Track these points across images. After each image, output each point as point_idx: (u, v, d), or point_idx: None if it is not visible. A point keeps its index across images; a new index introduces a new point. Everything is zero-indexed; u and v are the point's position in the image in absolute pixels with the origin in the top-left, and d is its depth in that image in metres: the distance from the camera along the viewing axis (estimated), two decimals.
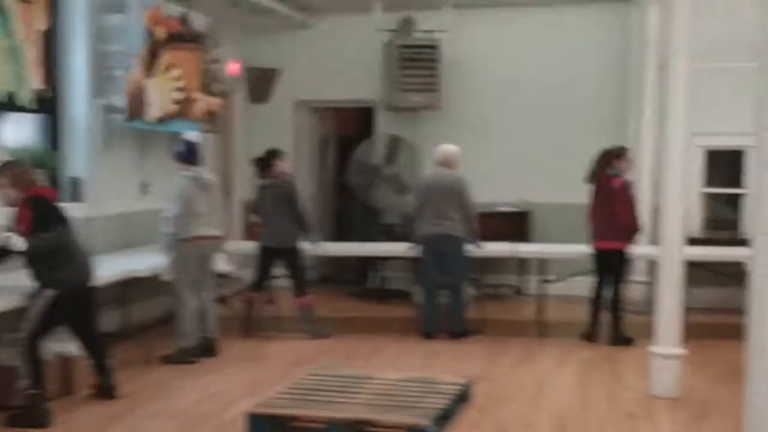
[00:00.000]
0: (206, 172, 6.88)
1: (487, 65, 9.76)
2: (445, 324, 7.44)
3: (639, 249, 7.46)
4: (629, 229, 7.15)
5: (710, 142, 8.67)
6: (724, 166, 8.96)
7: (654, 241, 8.27)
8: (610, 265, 7.24)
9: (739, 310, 8.02)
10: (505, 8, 9.58)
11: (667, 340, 5.56)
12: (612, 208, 7.12)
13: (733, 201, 8.98)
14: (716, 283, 7.94)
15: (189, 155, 6.67)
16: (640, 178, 8.43)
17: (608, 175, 7.20)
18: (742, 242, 8.17)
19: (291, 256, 7.45)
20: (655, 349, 5.59)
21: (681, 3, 5.50)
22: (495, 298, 9.07)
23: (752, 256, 2.48)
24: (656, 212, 8.49)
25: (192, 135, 6.84)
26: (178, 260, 6.50)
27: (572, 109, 9.53)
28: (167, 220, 6.47)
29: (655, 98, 8.79)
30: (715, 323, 7.85)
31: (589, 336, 7.32)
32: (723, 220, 9.01)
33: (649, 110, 8.83)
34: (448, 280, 7.44)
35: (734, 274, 7.66)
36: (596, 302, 7.33)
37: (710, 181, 8.98)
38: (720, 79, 8.22)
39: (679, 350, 5.56)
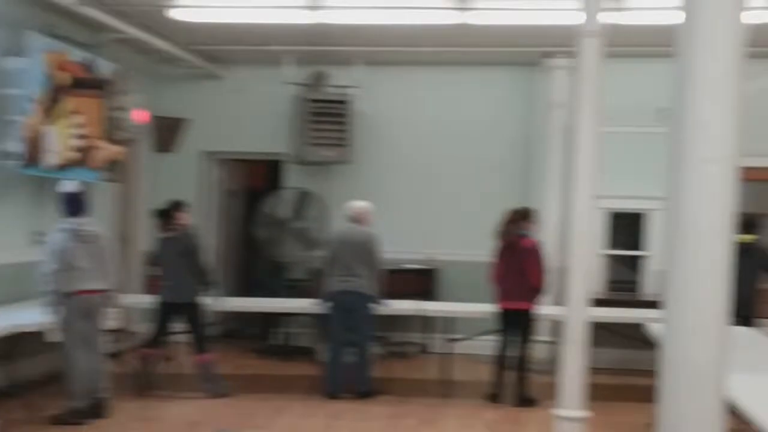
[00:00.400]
0: (90, 223, 6.46)
1: (397, 122, 9.80)
2: (351, 383, 7.29)
3: (544, 309, 7.49)
4: (537, 290, 7.19)
5: (612, 204, 8.84)
6: (624, 228, 9.13)
7: (558, 301, 8.36)
8: (517, 325, 7.24)
9: (639, 371, 8.22)
10: (415, 67, 9.65)
11: (572, 402, 5.53)
12: (521, 268, 7.15)
13: (633, 263, 9.14)
14: (616, 344, 8.03)
15: (67, 206, 6.35)
16: (545, 238, 8.49)
17: (518, 236, 7.24)
18: (642, 304, 8.31)
19: (191, 312, 7.20)
20: (559, 411, 5.55)
21: (588, 67, 5.61)
22: (400, 356, 8.97)
23: (664, 319, 2.45)
24: (560, 272, 8.64)
25: (71, 185, 6.46)
26: (64, 317, 6.18)
27: (480, 168, 9.62)
28: (45, 276, 6.15)
29: (559, 160, 8.94)
30: (617, 384, 7.92)
31: (494, 396, 7.27)
32: (624, 281, 9.16)
33: (554, 172, 8.97)
34: (355, 338, 7.31)
35: (634, 336, 7.79)
36: (501, 362, 7.32)
37: (612, 242, 9.14)
38: (622, 143, 8.40)
39: (583, 412, 5.54)
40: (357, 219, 7.57)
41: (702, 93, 2.50)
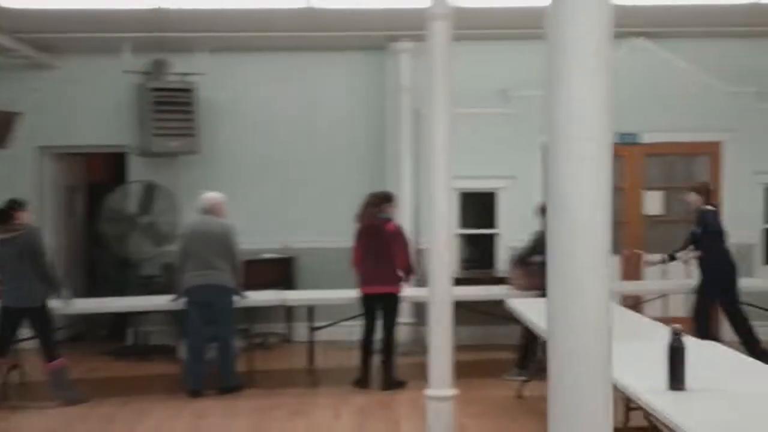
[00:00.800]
0: None
1: (246, 109, 9.58)
2: (214, 379, 7.11)
3: (406, 291, 7.55)
4: (407, 272, 7.24)
5: (461, 184, 9.00)
6: (472, 207, 9.33)
7: (419, 283, 8.47)
8: (381, 309, 7.27)
9: (498, 346, 8.47)
10: (261, 52, 9.47)
11: (440, 381, 5.60)
12: (386, 252, 7.16)
13: (484, 241, 9.36)
14: (475, 321, 8.21)
15: None
16: (402, 221, 8.56)
17: (380, 219, 7.25)
18: (496, 280, 8.54)
19: (37, 316, 6.80)
20: (430, 392, 5.61)
21: (439, 51, 5.65)
22: (263, 347, 8.84)
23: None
24: (418, 254, 8.74)
25: None
26: None
27: (333, 154, 9.57)
28: None
29: (411, 143, 9.04)
30: (478, 360, 8.11)
31: (362, 382, 7.28)
32: (476, 260, 9.38)
33: (406, 155, 9.05)
34: (216, 333, 7.13)
35: (491, 312, 8.00)
36: (367, 347, 7.32)
37: (462, 222, 9.32)
38: (467, 124, 8.56)
39: (452, 391, 5.63)
40: (211, 210, 7.37)
41: (575, 71, 2.52)
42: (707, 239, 7.62)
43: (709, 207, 7.67)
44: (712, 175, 9.15)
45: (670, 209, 9.20)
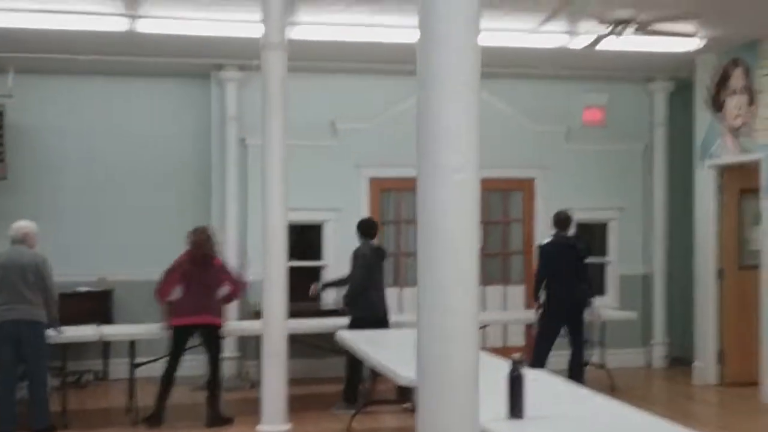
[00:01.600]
0: None
1: (61, 135, 9.08)
2: (25, 420, 6.60)
3: (233, 324, 7.38)
4: (232, 300, 7.08)
5: (290, 216, 8.95)
6: (297, 239, 9.28)
7: (244, 316, 8.32)
8: (203, 343, 7.03)
9: (326, 379, 8.43)
10: (80, 76, 9.03)
11: (275, 416, 5.51)
12: (213, 284, 6.98)
13: (310, 273, 9.32)
14: (302, 354, 8.12)
15: None
16: (227, 253, 8.39)
17: (206, 253, 7.05)
18: (323, 313, 8.52)
19: None
20: (262, 427, 5.50)
21: (274, 81, 5.62)
22: (78, 386, 8.35)
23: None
24: (243, 288, 8.58)
25: None
26: None
27: (154, 183, 9.22)
28: None
29: (236, 173, 8.89)
30: (307, 394, 8.04)
31: (155, 419, 6.89)
32: (303, 292, 9.30)
33: (232, 186, 8.89)
34: (27, 370, 6.64)
35: (318, 344, 7.98)
36: (168, 381, 6.99)
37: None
38: (295, 155, 8.52)
39: (286, 426, 5.55)
40: (22, 240, 6.88)
41: (446, 104, 2.59)
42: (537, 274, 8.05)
43: (545, 240, 8.08)
44: (525, 209, 9.62)
45: (486, 243, 9.54)
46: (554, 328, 7.91)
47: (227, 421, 6.98)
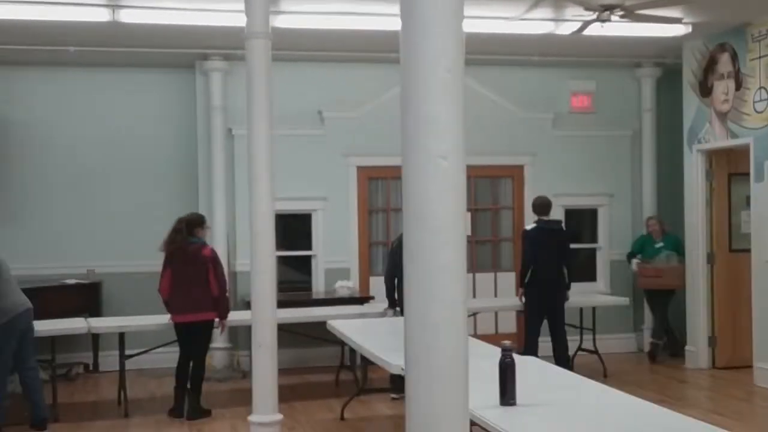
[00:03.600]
0: None
1: (46, 128, 9.00)
2: (18, 413, 6.54)
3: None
4: (221, 299, 6.97)
5: (278, 206, 8.90)
6: (286, 228, 9.24)
7: (235, 306, 8.28)
8: (196, 337, 6.98)
9: (317, 369, 8.43)
10: (63, 68, 8.95)
11: (266, 406, 5.48)
12: (201, 279, 6.86)
13: (299, 263, 9.29)
14: (292, 344, 8.10)
15: None
16: (216, 244, 8.34)
17: (194, 244, 6.96)
18: (314, 302, 8.51)
19: None
20: (254, 417, 5.46)
21: (258, 70, 5.56)
22: (67, 379, 8.31)
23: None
24: (233, 278, 8.56)
25: None
26: None
27: (141, 175, 9.16)
28: None
29: (223, 163, 8.84)
30: (297, 383, 8.04)
31: (177, 411, 6.96)
32: (293, 282, 9.29)
33: (219, 176, 8.84)
34: (19, 364, 6.57)
35: (308, 334, 7.95)
36: (182, 376, 7.01)
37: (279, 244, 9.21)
38: (282, 145, 8.47)
39: (277, 416, 5.52)
40: None
41: (430, 92, 2.55)
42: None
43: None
44: (515, 196, 9.61)
45: (475, 230, 9.54)
46: (539, 313, 7.93)
47: (206, 413, 6.95)
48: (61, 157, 9.04)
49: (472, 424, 3.83)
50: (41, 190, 8.96)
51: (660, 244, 9.28)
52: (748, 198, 8.23)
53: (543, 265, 7.84)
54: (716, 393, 7.81)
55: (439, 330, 2.51)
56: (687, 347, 8.92)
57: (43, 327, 6.90)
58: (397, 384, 6.95)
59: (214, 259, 6.97)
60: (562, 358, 7.76)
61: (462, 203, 2.57)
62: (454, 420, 2.53)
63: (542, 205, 8.04)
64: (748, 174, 8.08)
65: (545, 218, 8.02)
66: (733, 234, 8.72)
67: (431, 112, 2.52)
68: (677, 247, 9.21)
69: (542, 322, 7.97)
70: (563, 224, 8.28)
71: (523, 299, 8.01)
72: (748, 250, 8.14)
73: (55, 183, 9.01)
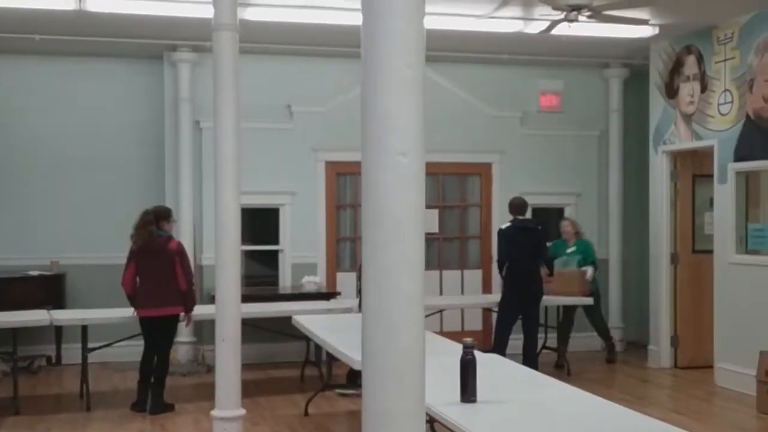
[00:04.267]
0: None
1: (9, 116, 8.88)
2: None
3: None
4: (186, 297, 6.91)
5: (245, 200, 8.85)
6: (252, 223, 9.18)
7: (200, 300, 8.22)
8: (161, 332, 6.92)
9: (280, 364, 8.40)
10: (27, 56, 8.83)
11: (229, 401, 5.45)
12: (167, 272, 6.80)
13: (271, 257, 9.26)
14: (257, 339, 8.06)
15: None
16: (182, 237, 8.27)
17: (160, 237, 6.90)
18: (280, 297, 8.48)
19: None
20: (216, 412, 5.44)
21: (226, 62, 5.52)
22: (29, 371, 8.22)
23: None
24: (199, 271, 8.51)
25: None
26: None
27: (107, 165, 9.05)
28: None
29: (190, 156, 8.78)
30: (261, 378, 8.01)
31: (140, 405, 6.91)
32: (259, 276, 9.26)
33: (186, 168, 8.78)
34: None
35: (273, 329, 7.92)
36: (146, 370, 6.95)
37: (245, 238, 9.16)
38: (249, 139, 8.42)
39: (240, 411, 5.49)
40: None
41: (390, 87, 2.55)
42: None
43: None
44: (483, 194, 9.64)
45: (443, 228, 9.56)
46: (513, 311, 7.96)
47: (169, 407, 6.91)
48: (25, 147, 8.92)
49: (433, 420, 3.85)
50: (4, 179, 8.84)
51: (572, 249, 8.94)
52: (711, 199, 8.32)
53: (518, 263, 7.87)
54: (677, 392, 7.90)
55: (396, 326, 2.51)
56: (650, 347, 9.01)
57: (5, 319, 6.83)
58: (355, 379, 7.02)
59: (181, 252, 6.91)
60: (530, 357, 7.79)
61: (420, 200, 2.57)
62: (409, 416, 2.53)
63: (519, 206, 8.10)
64: (712, 176, 8.17)
65: (521, 218, 8.06)
66: (696, 235, 8.81)
67: (390, 107, 2.52)
68: (586, 253, 8.89)
69: (515, 320, 7.99)
70: (539, 225, 8.28)
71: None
72: (711, 251, 8.23)
73: (19, 173, 8.90)
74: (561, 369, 8.48)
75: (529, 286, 7.92)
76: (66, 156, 8.99)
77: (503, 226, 8.12)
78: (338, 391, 7.29)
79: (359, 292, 7.51)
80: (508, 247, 7.91)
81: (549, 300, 8.38)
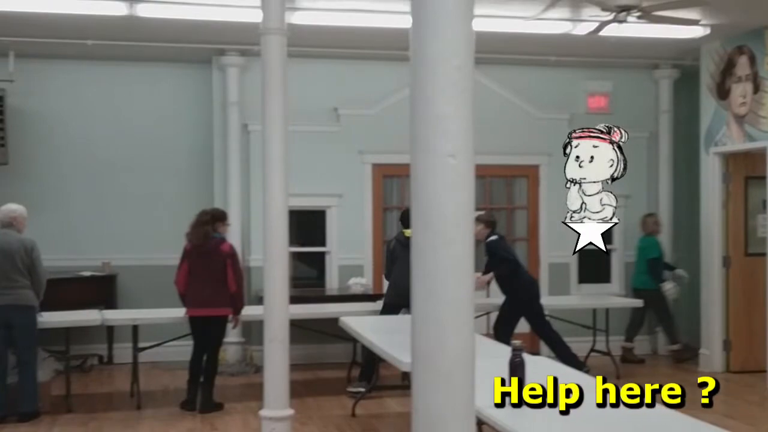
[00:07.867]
0: None
1: (63, 120, 9.06)
2: (16, 404, 6.59)
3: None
4: (236, 299, 6.98)
5: (293, 202, 8.90)
6: (300, 225, 9.24)
7: (248, 301, 8.29)
8: (210, 332, 7.00)
9: (329, 365, 8.44)
10: (82, 61, 9.00)
11: (277, 401, 5.49)
12: (218, 273, 6.89)
13: (314, 259, 9.31)
14: (306, 340, 8.11)
15: None
16: (231, 239, 8.34)
17: (213, 239, 6.99)
18: (328, 299, 8.52)
19: None
20: (265, 412, 5.48)
21: (274, 66, 5.57)
22: (82, 370, 8.38)
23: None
24: (247, 273, 8.58)
25: None
26: None
27: (157, 168, 9.20)
28: None
29: (239, 159, 8.87)
30: (310, 379, 8.06)
31: (189, 404, 6.99)
32: (307, 278, 9.32)
33: (234, 171, 8.87)
34: (18, 356, 6.62)
35: (322, 330, 7.96)
36: (195, 369, 7.05)
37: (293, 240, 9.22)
38: (297, 141, 8.47)
39: (289, 411, 5.53)
40: (11, 224, 6.82)
41: (439, 89, 2.55)
42: (502, 267, 7.95)
43: (494, 237, 8.01)
44: (530, 196, 9.58)
45: None
46: (517, 314, 7.97)
47: (218, 406, 6.99)
48: (77, 150, 9.09)
49: (481, 423, 3.83)
50: (57, 182, 9.02)
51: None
52: (764, 201, 8.18)
53: (523, 269, 8.13)
54: (730, 397, 7.76)
55: (445, 328, 2.52)
56: (701, 350, 8.87)
57: (58, 318, 6.97)
58: (362, 377, 7.17)
59: (233, 255, 7.01)
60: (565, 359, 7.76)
61: (470, 202, 2.57)
62: (460, 418, 2.53)
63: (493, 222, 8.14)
64: (764, 177, 8.02)
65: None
66: (749, 237, 8.66)
67: (440, 110, 2.53)
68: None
69: (518, 321, 8.01)
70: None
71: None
72: (764, 254, 8.08)
73: (72, 176, 9.07)
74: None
75: (535, 290, 8.16)
76: (117, 159, 9.15)
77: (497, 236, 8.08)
78: (349, 389, 7.31)
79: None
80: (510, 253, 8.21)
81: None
